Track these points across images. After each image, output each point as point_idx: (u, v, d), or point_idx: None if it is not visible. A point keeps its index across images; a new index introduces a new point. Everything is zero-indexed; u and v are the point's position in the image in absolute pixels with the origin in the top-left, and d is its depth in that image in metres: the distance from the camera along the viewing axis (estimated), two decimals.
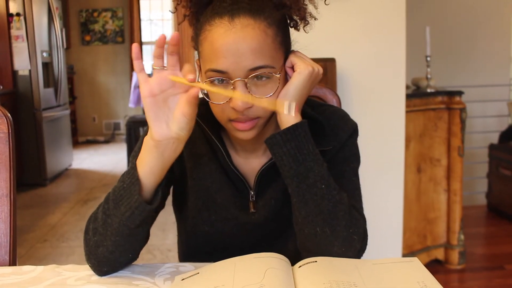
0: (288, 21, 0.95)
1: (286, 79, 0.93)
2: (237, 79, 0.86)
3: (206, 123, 0.99)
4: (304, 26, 0.95)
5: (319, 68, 0.94)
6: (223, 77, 0.87)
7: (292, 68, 0.93)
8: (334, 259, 0.87)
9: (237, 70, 0.85)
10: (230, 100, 0.88)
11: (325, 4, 0.94)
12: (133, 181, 0.84)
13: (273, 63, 0.88)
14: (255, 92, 0.88)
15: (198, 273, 0.85)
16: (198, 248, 1.08)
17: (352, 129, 1.02)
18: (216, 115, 0.94)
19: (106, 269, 0.90)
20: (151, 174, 0.86)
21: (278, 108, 0.89)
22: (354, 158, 1.02)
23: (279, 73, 0.90)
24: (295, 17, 0.94)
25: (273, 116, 0.95)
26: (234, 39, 0.84)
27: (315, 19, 0.95)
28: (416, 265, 0.86)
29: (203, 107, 1.00)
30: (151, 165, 0.85)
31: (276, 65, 0.89)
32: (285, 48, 0.93)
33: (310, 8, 0.95)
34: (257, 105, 0.89)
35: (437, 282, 0.78)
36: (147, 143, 0.85)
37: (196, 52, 0.97)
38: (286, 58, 0.93)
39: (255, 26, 0.85)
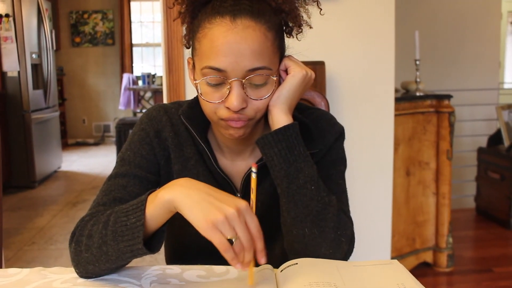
0: (284, 27, 0.96)
1: (279, 82, 0.94)
2: (234, 79, 0.86)
3: (193, 125, 0.99)
4: (297, 34, 0.96)
5: (311, 73, 0.96)
6: (220, 76, 0.87)
7: (286, 71, 0.94)
8: (315, 261, 0.88)
9: (236, 69, 0.86)
10: (225, 99, 0.88)
11: (320, 14, 0.95)
12: (138, 225, 0.79)
13: (270, 65, 0.89)
14: (250, 93, 0.89)
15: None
16: (185, 251, 1.07)
17: (338, 132, 1.03)
18: (208, 114, 0.93)
19: (93, 277, 0.89)
20: (157, 222, 0.82)
21: None
22: (340, 161, 1.03)
23: (276, 76, 0.91)
24: (291, 23, 0.95)
25: (261, 118, 0.95)
26: (236, 39, 0.85)
27: (310, 27, 0.96)
28: (396, 267, 0.87)
29: (190, 110, 1.00)
30: (160, 219, 0.82)
31: (273, 67, 0.90)
32: (281, 52, 0.94)
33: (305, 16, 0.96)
34: (250, 107, 0.89)
35: (418, 283, 0.79)
36: (168, 204, 0.79)
37: (187, 50, 0.97)
38: (280, 62, 0.94)
39: (256, 28, 0.86)
